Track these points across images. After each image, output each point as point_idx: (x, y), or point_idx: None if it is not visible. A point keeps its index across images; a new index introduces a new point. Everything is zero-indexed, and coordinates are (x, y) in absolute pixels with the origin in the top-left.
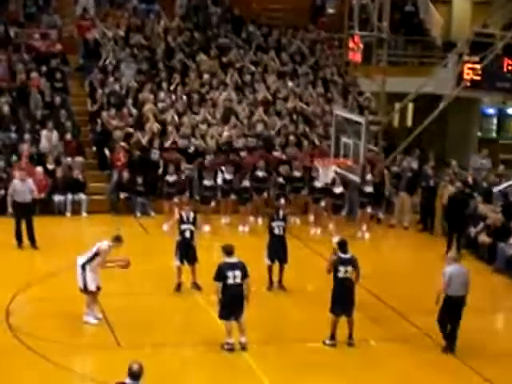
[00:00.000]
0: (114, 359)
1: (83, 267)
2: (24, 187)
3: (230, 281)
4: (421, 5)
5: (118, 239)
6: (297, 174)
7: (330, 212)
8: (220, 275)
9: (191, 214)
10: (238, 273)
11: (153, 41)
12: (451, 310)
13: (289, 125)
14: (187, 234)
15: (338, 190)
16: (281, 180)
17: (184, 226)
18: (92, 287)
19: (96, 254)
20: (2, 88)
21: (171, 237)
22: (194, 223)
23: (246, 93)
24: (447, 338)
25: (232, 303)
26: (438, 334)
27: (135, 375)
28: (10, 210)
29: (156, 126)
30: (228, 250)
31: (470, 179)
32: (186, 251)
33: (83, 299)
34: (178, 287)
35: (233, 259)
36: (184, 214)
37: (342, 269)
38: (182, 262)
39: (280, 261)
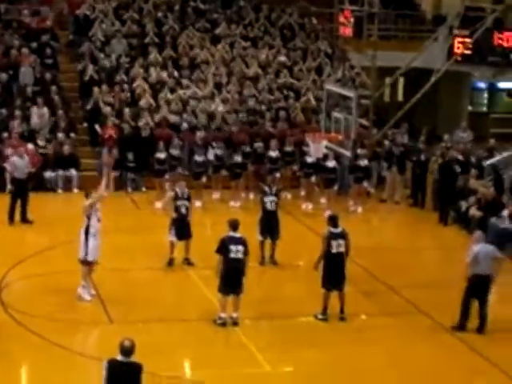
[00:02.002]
0: (106, 335)
1: (86, 236)
2: (23, 163)
3: (232, 255)
4: None
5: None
6: (288, 148)
7: (322, 187)
8: (222, 248)
9: (186, 190)
10: (240, 247)
11: (143, 16)
12: (479, 289)
13: (279, 99)
14: (183, 210)
15: (331, 164)
16: (273, 154)
17: (179, 202)
18: (91, 258)
19: (87, 217)
20: None
21: (165, 213)
22: (188, 199)
23: (236, 67)
24: (466, 317)
25: (231, 278)
26: (429, 307)
27: (127, 351)
28: (9, 186)
29: (147, 102)
30: (234, 225)
31: (456, 154)
32: (182, 227)
33: (77, 274)
34: (171, 262)
35: (237, 234)
36: (179, 190)
37: (333, 243)
38: (178, 237)
39: (272, 237)
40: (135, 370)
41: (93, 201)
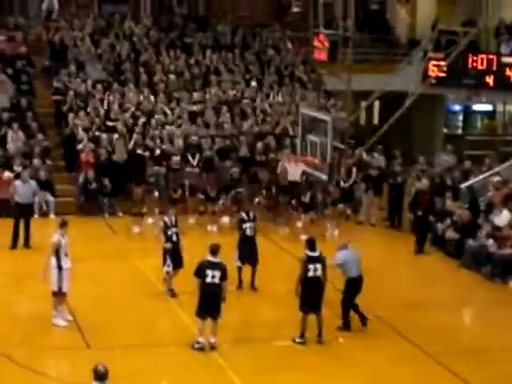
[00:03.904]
0: (83, 361)
1: (59, 268)
2: (26, 188)
3: (209, 279)
4: (386, 3)
5: (63, 224)
6: (264, 177)
7: (300, 210)
8: (200, 272)
9: (173, 218)
10: (217, 273)
11: (118, 41)
12: (355, 290)
13: (254, 125)
14: (174, 238)
15: (306, 198)
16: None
17: (170, 231)
18: (65, 289)
19: (56, 251)
20: None
21: (142, 238)
22: (176, 225)
23: (212, 92)
24: (348, 318)
25: (208, 302)
26: (406, 328)
27: (102, 376)
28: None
29: (122, 128)
30: (213, 249)
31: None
32: (176, 256)
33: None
34: (173, 294)
35: (215, 259)
36: (167, 218)
37: (311, 267)
38: (174, 267)
39: (252, 263)
40: None
41: (58, 238)
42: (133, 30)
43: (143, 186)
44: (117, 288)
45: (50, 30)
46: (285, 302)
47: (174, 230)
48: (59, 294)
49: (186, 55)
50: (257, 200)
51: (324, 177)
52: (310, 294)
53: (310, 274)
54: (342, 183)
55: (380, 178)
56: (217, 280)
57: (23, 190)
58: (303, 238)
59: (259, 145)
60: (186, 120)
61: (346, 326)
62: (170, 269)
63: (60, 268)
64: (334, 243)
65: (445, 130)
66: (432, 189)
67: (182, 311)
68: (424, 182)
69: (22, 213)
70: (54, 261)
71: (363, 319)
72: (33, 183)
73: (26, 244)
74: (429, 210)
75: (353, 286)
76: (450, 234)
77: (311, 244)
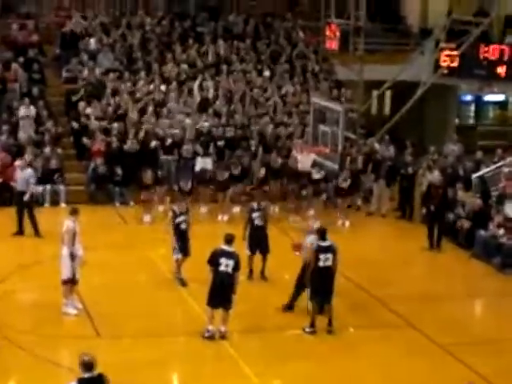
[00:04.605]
0: (93, 349)
1: (71, 256)
2: (23, 175)
3: (222, 268)
4: None
5: (73, 212)
6: (275, 165)
7: (311, 199)
8: (213, 260)
9: (184, 206)
10: (230, 262)
11: (130, 31)
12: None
13: (265, 114)
14: (183, 226)
15: (317, 175)
16: (262, 172)
17: (179, 219)
18: (77, 276)
19: (68, 240)
20: None
21: (153, 228)
22: (187, 213)
23: (224, 82)
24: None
25: (219, 291)
26: (417, 318)
27: (90, 366)
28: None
29: (134, 117)
30: (228, 239)
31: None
32: (184, 244)
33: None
34: (183, 283)
35: (229, 248)
36: (176, 207)
37: (321, 257)
38: (183, 254)
39: (262, 252)
40: (105, 381)
41: (71, 225)
42: (144, 20)
43: (153, 172)
44: (127, 277)
45: (61, 18)
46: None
47: (182, 218)
48: (70, 283)
49: (197, 45)
50: (266, 189)
51: (335, 166)
52: (321, 284)
53: (321, 263)
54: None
55: (392, 168)
56: (230, 269)
57: (20, 177)
58: (314, 225)
59: (270, 134)
60: (197, 109)
61: (291, 307)
62: (179, 256)
63: (72, 256)
64: (345, 234)
65: (457, 121)
66: (445, 181)
67: (193, 300)
68: (436, 175)
69: (21, 200)
70: (65, 249)
71: (290, 305)
72: (29, 171)
73: (36, 233)
74: (442, 204)
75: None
76: (461, 224)
77: (322, 233)
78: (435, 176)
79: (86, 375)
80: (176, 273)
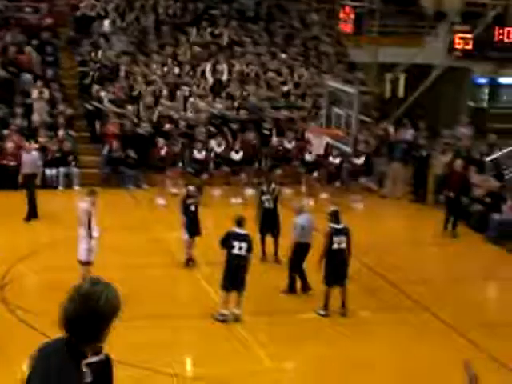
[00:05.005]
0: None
1: (89, 237)
2: (28, 158)
3: (235, 251)
4: None
5: (91, 193)
6: (288, 145)
7: (324, 182)
8: (226, 242)
9: (194, 188)
10: (244, 245)
11: (144, 13)
12: (304, 255)
13: (279, 97)
14: (193, 208)
15: (336, 160)
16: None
17: (189, 200)
18: (92, 258)
19: (85, 220)
20: None
21: (167, 210)
22: (198, 195)
23: (237, 65)
24: (294, 281)
25: (233, 274)
26: (431, 302)
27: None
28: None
29: (147, 99)
30: (239, 221)
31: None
32: (193, 224)
33: (77, 272)
34: (188, 261)
35: (242, 230)
36: (189, 188)
37: (335, 239)
38: (190, 235)
39: (273, 234)
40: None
41: (88, 206)
42: (158, 2)
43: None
44: (140, 259)
45: (75, 1)
46: (308, 274)
47: (192, 200)
48: (87, 264)
49: (210, 27)
50: (278, 172)
51: (348, 149)
52: (335, 266)
53: (335, 246)
54: (361, 158)
55: (407, 151)
56: (243, 252)
57: (26, 159)
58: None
59: (283, 117)
60: (210, 92)
61: (291, 289)
62: (186, 237)
63: (90, 237)
64: (359, 217)
65: (470, 103)
66: (465, 167)
67: (206, 282)
68: (458, 163)
69: (27, 183)
70: (83, 230)
71: (305, 286)
72: (35, 153)
73: (34, 214)
74: (462, 191)
75: (304, 250)
76: (475, 208)
77: (336, 216)
78: (457, 163)
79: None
80: (186, 253)
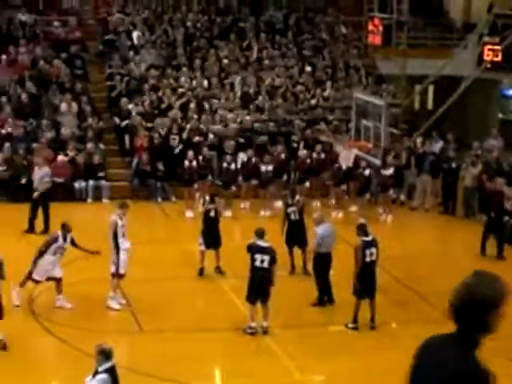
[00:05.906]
0: (136, 344)
1: (116, 251)
2: (38, 175)
3: (257, 263)
4: None
5: (123, 205)
6: (317, 158)
7: (354, 195)
8: (249, 254)
9: (215, 195)
10: (266, 257)
11: (173, 26)
12: (324, 265)
13: (307, 110)
14: (212, 214)
15: (366, 172)
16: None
17: (209, 206)
18: (122, 271)
19: (114, 233)
20: (22, 76)
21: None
22: (217, 201)
23: (265, 77)
24: (324, 293)
25: (256, 286)
26: None
27: (109, 355)
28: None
29: (176, 112)
30: (259, 233)
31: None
32: (212, 235)
33: (106, 283)
34: (201, 272)
35: (264, 243)
36: (207, 196)
37: (367, 252)
38: (207, 247)
39: (300, 246)
40: None
41: (116, 218)
42: (186, 15)
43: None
44: (169, 272)
45: (103, 14)
46: (337, 286)
47: (212, 205)
48: (117, 276)
49: (239, 40)
50: (306, 185)
51: (377, 162)
52: (366, 278)
53: (367, 259)
54: (390, 169)
55: (436, 163)
56: (266, 264)
57: (35, 176)
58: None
59: (311, 130)
60: (239, 104)
61: (321, 301)
62: (203, 248)
63: (118, 249)
64: (388, 229)
65: (500, 115)
66: (487, 174)
67: (234, 295)
68: (499, 181)
69: (36, 199)
70: (112, 243)
71: (329, 299)
72: (46, 170)
73: (46, 230)
74: (502, 210)
75: (325, 260)
76: (507, 220)
77: (364, 229)
78: (498, 182)
79: (109, 364)
80: (200, 262)
